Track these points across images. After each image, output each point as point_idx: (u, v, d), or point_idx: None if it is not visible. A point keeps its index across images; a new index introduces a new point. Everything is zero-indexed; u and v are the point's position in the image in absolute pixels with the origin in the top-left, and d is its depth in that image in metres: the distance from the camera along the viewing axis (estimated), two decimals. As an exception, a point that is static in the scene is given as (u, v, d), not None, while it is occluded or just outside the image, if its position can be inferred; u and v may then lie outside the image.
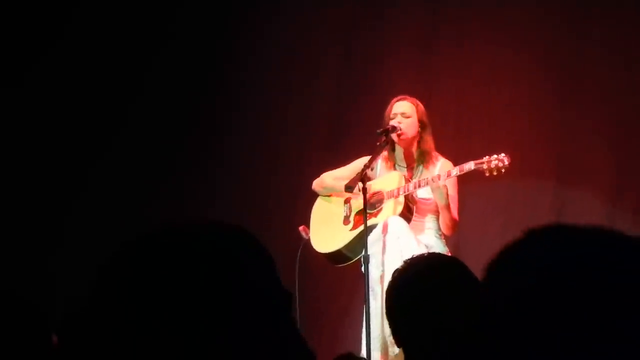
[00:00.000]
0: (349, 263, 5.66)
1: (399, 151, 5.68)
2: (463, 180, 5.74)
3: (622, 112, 6.79)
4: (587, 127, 6.82)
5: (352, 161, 5.80)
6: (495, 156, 5.37)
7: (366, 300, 5.15)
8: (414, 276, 2.62)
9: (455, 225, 5.52)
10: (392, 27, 7.35)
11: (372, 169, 5.57)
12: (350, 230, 5.68)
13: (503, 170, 5.37)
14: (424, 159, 5.63)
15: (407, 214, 5.50)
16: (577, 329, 1.00)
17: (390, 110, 5.63)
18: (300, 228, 5.80)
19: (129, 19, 7.58)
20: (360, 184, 5.32)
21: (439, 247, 5.46)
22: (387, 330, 4.75)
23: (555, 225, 1.10)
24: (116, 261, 1.26)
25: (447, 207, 5.44)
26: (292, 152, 7.51)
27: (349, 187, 5.38)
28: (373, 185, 5.53)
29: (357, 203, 5.68)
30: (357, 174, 5.45)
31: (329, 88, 7.52)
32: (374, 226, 5.40)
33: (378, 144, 5.54)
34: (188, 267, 1.23)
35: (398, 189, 5.52)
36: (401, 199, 5.51)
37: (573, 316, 1.01)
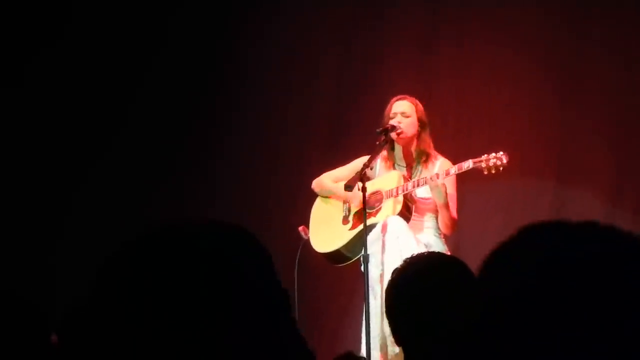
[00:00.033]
0: (348, 263, 5.66)
1: (398, 150, 5.68)
2: (463, 180, 5.74)
3: (622, 112, 6.79)
4: (587, 127, 6.82)
5: (351, 161, 5.80)
6: (493, 154, 5.37)
7: (366, 300, 5.15)
8: (414, 275, 2.62)
9: (454, 224, 5.53)
10: (392, 27, 7.35)
11: (371, 168, 5.56)
12: (350, 230, 5.68)
13: (501, 169, 5.37)
14: (423, 158, 5.63)
15: (406, 213, 5.50)
16: (576, 326, 1.00)
17: (390, 110, 5.63)
18: (300, 228, 5.80)
19: (129, 19, 7.58)
20: (359, 184, 5.32)
21: (438, 246, 5.46)
22: (387, 329, 4.75)
23: (552, 222, 1.10)
24: (116, 261, 1.27)
25: (446, 206, 5.44)
26: (292, 152, 7.51)
27: (349, 187, 5.38)
28: (372, 185, 5.53)
29: (356, 203, 5.68)
30: (356, 173, 5.45)
31: (329, 88, 7.52)
32: (373, 226, 5.40)
33: (377, 143, 5.54)
34: (188, 267, 1.23)
35: (397, 188, 5.52)
36: (400, 198, 5.51)
37: (572, 313, 1.01)
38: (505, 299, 1.03)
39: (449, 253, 5.24)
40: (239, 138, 7.61)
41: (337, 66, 7.53)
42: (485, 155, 5.38)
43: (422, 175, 5.53)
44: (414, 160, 5.66)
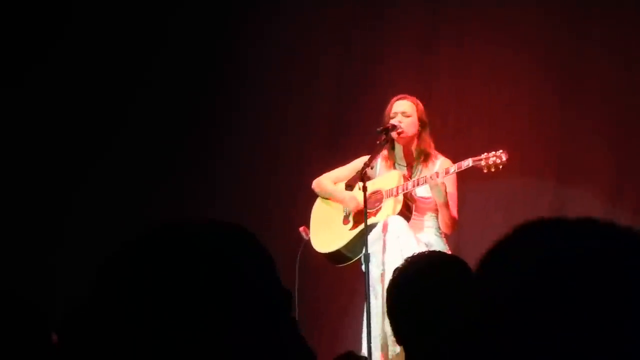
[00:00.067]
0: (349, 263, 5.65)
1: (399, 150, 5.68)
2: (463, 179, 5.74)
3: (622, 111, 6.79)
4: (587, 127, 6.82)
5: (351, 160, 5.80)
6: (493, 152, 5.37)
7: (367, 299, 5.15)
8: (415, 274, 2.62)
9: (454, 223, 5.52)
10: (392, 27, 7.35)
11: (372, 168, 5.57)
12: (350, 229, 5.68)
13: (501, 167, 5.37)
14: (423, 157, 5.63)
15: (406, 212, 5.50)
16: (576, 324, 1.00)
17: (391, 109, 5.63)
18: (301, 229, 5.80)
19: (129, 19, 7.58)
20: (360, 183, 5.32)
21: (439, 245, 5.45)
22: (388, 329, 4.75)
23: (550, 218, 1.10)
24: (116, 261, 1.26)
25: (446, 204, 5.44)
26: (292, 152, 7.51)
27: (349, 186, 5.38)
28: (372, 184, 5.53)
29: (351, 206, 5.69)
30: (357, 173, 5.46)
31: (328, 88, 7.52)
32: (373, 225, 5.40)
33: (378, 142, 5.54)
34: (188, 267, 1.22)
35: (397, 188, 5.52)
36: (400, 197, 5.51)
37: (571, 310, 1.00)
38: (504, 297, 1.03)
39: (450, 252, 5.24)
40: (239, 138, 7.61)
41: (337, 66, 7.53)
42: (485, 153, 5.38)
43: (422, 175, 5.53)
44: (415, 159, 5.66)
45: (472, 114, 7.12)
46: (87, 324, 1.24)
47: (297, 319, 1.35)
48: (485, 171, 5.38)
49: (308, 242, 5.75)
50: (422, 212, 5.56)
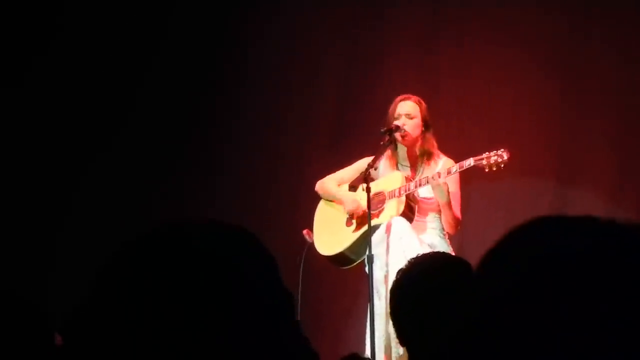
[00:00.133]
0: (352, 265, 5.65)
1: (402, 150, 5.68)
2: (465, 180, 5.74)
3: (624, 111, 6.79)
4: (588, 127, 6.83)
5: (353, 161, 5.80)
6: (494, 152, 5.38)
7: (370, 300, 5.14)
8: (419, 275, 2.62)
9: (457, 223, 5.52)
10: (392, 27, 7.35)
11: (375, 169, 5.57)
12: (353, 231, 5.68)
13: (502, 166, 5.38)
14: (426, 157, 5.63)
15: (409, 213, 5.50)
16: (576, 322, 0.99)
17: (395, 110, 5.62)
18: (304, 232, 5.80)
19: (129, 19, 7.57)
20: (363, 184, 5.33)
21: (442, 246, 5.45)
22: (391, 330, 4.75)
23: (550, 217, 1.10)
24: (116, 261, 1.26)
25: (449, 204, 5.44)
26: (293, 152, 7.51)
27: (353, 187, 5.39)
28: (375, 186, 5.53)
29: (351, 208, 5.69)
30: (360, 174, 5.45)
31: (329, 88, 7.52)
32: (377, 227, 5.40)
33: (382, 143, 5.54)
34: (188, 267, 1.22)
35: (399, 189, 5.52)
36: (403, 198, 5.51)
37: (571, 309, 1.00)
38: (504, 296, 1.03)
39: (453, 253, 5.24)
40: (239, 138, 7.61)
41: (338, 66, 7.53)
42: (486, 152, 5.38)
43: (425, 175, 5.53)
44: (418, 159, 5.66)
45: (472, 114, 7.12)
46: (86, 324, 1.24)
47: (300, 320, 1.34)
48: (486, 170, 5.38)
49: (312, 245, 5.74)
50: (424, 213, 5.56)
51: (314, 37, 7.53)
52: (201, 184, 7.56)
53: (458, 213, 5.51)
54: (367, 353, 5.10)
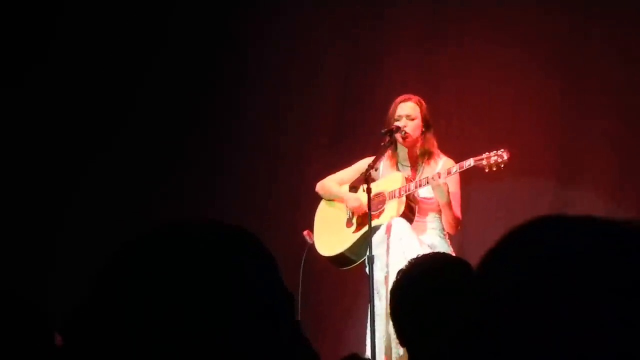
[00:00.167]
0: (353, 266, 5.65)
1: (402, 151, 5.68)
2: (466, 180, 5.74)
3: (625, 111, 6.79)
4: (588, 127, 6.83)
5: (354, 161, 5.80)
6: (494, 152, 5.38)
7: (371, 301, 5.14)
8: (419, 276, 2.62)
9: (458, 223, 5.52)
10: (392, 27, 7.35)
11: (376, 169, 5.57)
12: (354, 232, 5.68)
13: (502, 166, 5.38)
14: (426, 158, 5.63)
15: (409, 214, 5.50)
16: (576, 322, 0.99)
17: (395, 111, 5.61)
18: (305, 232, 5.80)
19: (129, 19, 7.57)
20: (364, 185, 5.33)
21: (443, 247, 5.45)
22: (392, 331, 4.75)
23: (550, 216, 1.09)
24: (116, 261, 1.26)
25: (449, 205, 5.44)
26: (293, 153, 7.51)
27: (353, 188, 5.40)
28: (375, 187, 5.53)
29: (353, 206, 5.69)
30: (361, 175, 5.45)
31: (329, 88, 7.51)
32: (377, 227, 5.40)
33: (382, 144, 5.54)
34: (188, 267, 1.22)
35: (399, 190, 5.52)
36: (403, 199, 5.51)
37: (571, 308, 1.00)
38: (504, 296, 1.03)
39: (453, 253, 5.24)
40: (240, 138, 7.61)
41: (338, 66, 7.52)
42: (486, 153, 5.38)
43: (425, 175, 5.53)
44: (418, 159, 5.66)
45: (472, 114, 7.12)
46: (87, 324, 1.24)
47: (300, 321, 1.34)
48: (486, 170, 5.38)
49: (312, 246, 5.74)
50: (425, 213, 5.56)
51: (314, 37, 7.53)
52: (201, 184, 7.56)
53: (458, 213, 5.51)
54: (368, 353, 5.10)
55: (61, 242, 7.36)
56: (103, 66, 7.54)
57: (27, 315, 2.10)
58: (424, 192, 5.54)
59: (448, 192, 5.40)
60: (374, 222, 5.39)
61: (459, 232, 5.69)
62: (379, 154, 5.51)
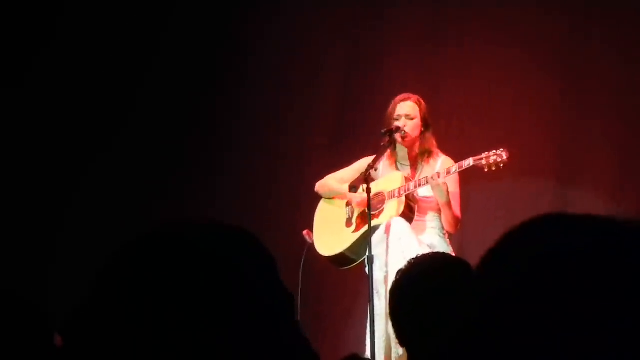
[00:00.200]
0: (352, 266, 5.65)
1: (401, 150, 5.68)
2: (466, 180, 5.74)
3: (625, 111, 6.79)
4: (589, 127, 6.83)
5: (353, 161, 5.80)
6: (494, 151, 5.38)
7: (370, 301, 5.14)
8: (418, 276, 2.62)
9: (457, 222, 5.52)
10: (392, 27, 7.35)
11: (375, 169, 5.57)
12: (353, 232, 5.68)
13: (502, 166, 5.38)
14: (426, 157, 5.63)
15: (408, 213, 5.49)
16: (576, 321, 0.99)
17: (394, 111, 5.61)
18: (305, 232, 5.79)
19: (129, 19, 7.57)
20: (364, 185, 5.32)
21: (442, 246, 5.44)
22: (391, 331, 4.75)
23: (551, 215, 1.09)
24: (116, 261, 1.26)
25: (448, 204, 5.44)
26: (293, 152, 7.50)
27: (353, 188, 5.39)
28: (375, 186, 5.53)
29: (356, 202, 5.68)
30: (360, 175, 5.45)
31: (329, 88, 7.51)
32: (376, 227, 5.40)
33: (382, 144, 5.54)
34: (188, 267, 1.22)
35: (399, 189, 5.52)
36: (403, 198, 5.51)
37: (572, 307, 1.00)
38: (504, 295, 1.02)
39: (453, 253, 5.24)
40: (240, 138, 7.60)
41: (338, 66, 7.52)
42: (486, 152, 5.38)
43: (424, 174, 5.53)
44: (418, 159, 5.66)
45: (472, 114, 7.12)
46: (87, 324, 1.24)
47: (300, 321, 1.34)
48: (486, 170, 5.38)
49: (312, 245, 5.74)
50: (424, 212, 5.56)
51: (314, 37, 7.53)
52: (201, 183, 7.56)
53: (458, 212, 5.51)
54: (367, 353, 5.10)
55: (61, 242, 7.36)
56: (103, 66, 7.53)
57: (27, 315, 2.10)
58: (424, 191, 5.54)
59: (448, 192, 5.40)
60: (374, 222, 5.39)
61: (458, 232, 5.69)
62: (378, 154, 5.51)
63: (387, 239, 5.32)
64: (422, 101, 5.66)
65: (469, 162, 5.38)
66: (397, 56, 7.29)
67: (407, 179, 5.56)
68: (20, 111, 7.52)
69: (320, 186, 5.89)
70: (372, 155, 5.56)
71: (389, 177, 5.63)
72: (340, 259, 5.70)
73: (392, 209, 5.50)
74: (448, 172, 5.41)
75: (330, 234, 5.77)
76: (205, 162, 7.61)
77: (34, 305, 2.13)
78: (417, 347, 2.54)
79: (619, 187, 6.74)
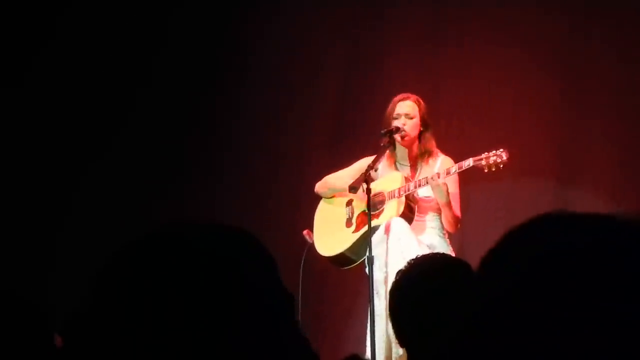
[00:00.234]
0: (352, 266, 5.65)
1: (401, 150, 5.68)
2: (466, 180, 5.74)
3: (625, 111, 6.79)
4: (589, 127, 6.83)
5: (353, 161, 5.79)
6: (493, 152, 5.37)
7: (370, 301, 5.14)
8: (418, 276, 2.62)
9: (457, 221, 5.52)
10: (392, 27, 7.35)
11: (375, 170, 5.57)
12: (353, 232, 5.68)
13: (502, 166, 5.38)
14: (425, 157, 5.63)
15: (408, 214, 5.49)
16: (576, 320, 0.99)
17: (394, 110, 5.61)
18: (305, 232, 5.79)
19: (130, 19, 7.57)
20: (364, 185, 5.32)
21: (442, 247, 5.44)
22: (391, 331, 4.75)
23: (552, 214, 1.09)
24: (116, 262, 1.26)
25: (448, 204, 5.44)
26: (293, 153, 7.50)
27: (353, 188, 5.38)
28: (374, 186, 5.53)
29: (359, 205, 5.67)
30: (360, 175, 5.45)
31: (329, 88, 7.51)
32: (376, 227, 5.39)
33: (382, 144, 5.54)
34: (188, 268, 1.22)
35: (399, 189, 5.51)
36: (402, 199, 5.50)
37: (572, 307, 1.00)
38: (505, 295, 1.02)
39: (453, 254, 5.23)
40: (240, 139, 7.60)
41: (338, 66, 7.52)
42: (486, 153, 5.38)
43: (424, 174, 5.53)
44: (417, 159, 5.66)
45: (472, 114, 7.12)
46: (87, 325, 1.24)
47: (300, 321, 1.34)
48: (486, 171, 5.38)
49: (312, 246, 5.74)
50: (424, 212, 5.56)
51: (314, 37, 7.53)
52: (201, 184, 7.56)
53: (458, 212, 5.51)
54: (368, 354, 5.10)
55: (61, 242, 7.36)
56: (103, 66, 7.54)
57: (27, 315, 2.10)
58: (424, 191, 5.54)
59: (447, 192, 5.40)
60: (374, 222, 5.39)
61: (459, 232, 5.69)
62: (378, 155, 5.51)
63: (387, 239, 5.32)
64: (421, 101, 5.66)
65: (469, 162, 5.38)
66: (397, 56, 7.29)
67: (407, 179, 5.56)
68: (20, 111, 7.52)
69: (320, 186, 5.89)
70: (372, 155, 5.56)
71: (388, 177, 5.63)
72: (340, 259, 5.69)
73: (392, 209, 5.50)
74: (448, 173, 5.41)
75: (330, 234, 5.76)
76: (205, 162, 7.61)
77: (34, 305, 2.13)
78: (417, 348, 2.54)
79: (619, 187, 6.74)
